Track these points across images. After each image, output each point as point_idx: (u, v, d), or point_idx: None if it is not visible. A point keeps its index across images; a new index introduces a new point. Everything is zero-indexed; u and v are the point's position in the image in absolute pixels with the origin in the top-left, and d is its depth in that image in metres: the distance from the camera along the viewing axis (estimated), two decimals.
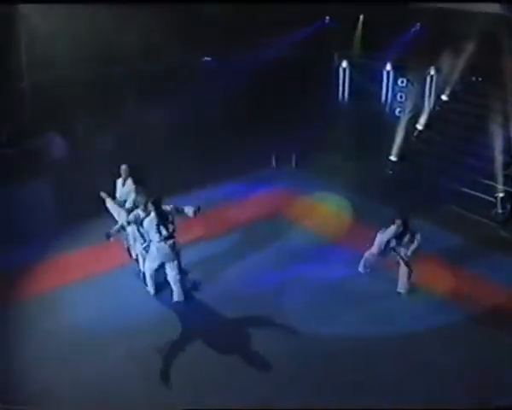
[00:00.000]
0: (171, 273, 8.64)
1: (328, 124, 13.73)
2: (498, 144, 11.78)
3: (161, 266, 8.69)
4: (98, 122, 12.52)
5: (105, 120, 12.45)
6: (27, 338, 8.01)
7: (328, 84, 15.30)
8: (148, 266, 8.74)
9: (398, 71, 14.76)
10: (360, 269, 9.35)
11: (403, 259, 8.81)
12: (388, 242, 8.82)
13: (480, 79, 13.84)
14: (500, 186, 11.52)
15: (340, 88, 15.67)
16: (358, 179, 12.37)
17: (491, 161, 11.71)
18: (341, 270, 9.44)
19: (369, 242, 9.18)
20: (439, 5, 13.00)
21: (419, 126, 14.05)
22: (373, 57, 14.83)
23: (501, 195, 11.42)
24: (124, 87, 12.46)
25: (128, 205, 9.03)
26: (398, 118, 14.32)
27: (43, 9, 11.35)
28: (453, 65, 13.63)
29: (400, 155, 13.57)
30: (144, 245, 8.66)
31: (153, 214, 8.28)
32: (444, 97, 14.18)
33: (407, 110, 14.32)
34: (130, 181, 9.29)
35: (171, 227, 8.38)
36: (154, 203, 8.25)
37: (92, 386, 7.21)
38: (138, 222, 8.44)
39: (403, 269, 8.87)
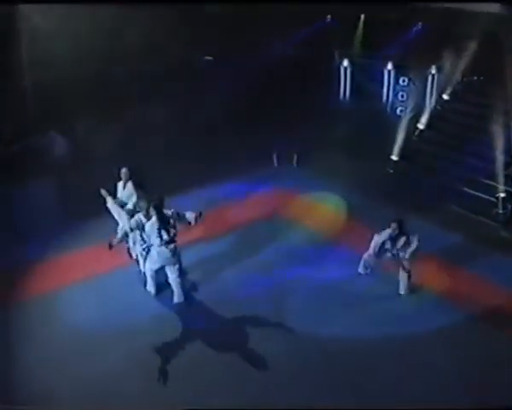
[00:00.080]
0: (172, 276, 8.65)
1: (330, 123, 13.69)
2: (499, 144, 11.75)
3: (162, 268, 8.69)
4: (98, 121, 12.52)
5: (105, 120, 12.45)
6: (27, 338, 8.02)
7: (330, 84, 15.27)
8: (149, 268, 8.75)
9: (400, 70, 14.72)
10: (360, 270, 9.34)
11: (399, 262, 8.80)
12: (383, 243, 8.82)
13: (481, 78, 13.81)
14: (501, 186, 11.49)
15: (342, 87, 15.63)
16: (359, 179, 12.34)
17: (492, 160, 11.67)
18: (341, 270, 9.44)
19: (369, 242, 9.15)
20: (440, 5, 12.97)
21: (420, 126, 14.02)
22: (374, 56, 14.79)
23: (502, 195, 11.40)
24: (124, 87, 12.44)
25: (129, 207, 9.03)
26: (400, 117, 14.29)
27: (44, 9, 11.35)
28: (454, 64, 13.60)
29: (401, 155, 13.54)
30: (144, 246, 8.66)
31: (154, 218, 8.26)
32: (445, 97, 14.15)
33: (408, 109, 14.30)
34: (130, 184, 9.28)
35: (172, 231, 8.37)
36: (155, 207, 8.24)
37: (92, 386, 7.22)
38: (140, 227, 8.43)
39: (403, 271, 8.86)
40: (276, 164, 13.76)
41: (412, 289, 8.95)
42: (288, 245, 10.24)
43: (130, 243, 9.34)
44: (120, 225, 9.13)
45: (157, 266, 8.62)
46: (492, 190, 11.57)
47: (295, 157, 13.79)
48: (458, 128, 13.34)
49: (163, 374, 7.39)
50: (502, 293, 8.96)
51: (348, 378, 7.43)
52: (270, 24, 13.60)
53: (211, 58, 14.73)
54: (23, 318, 8.36)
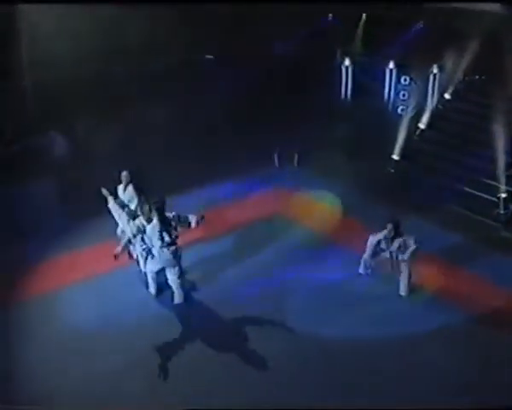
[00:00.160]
0: (172, 277, 8.64)
1: (331, 123, 13.68)
2: (501, 144, 11.69)
3: (162, 269, 8.68)
4: (98, 121, 12.51)
5: (105, 120, 12.44)
6: (28, 338, 8.03)
7: (331, 83, 15.24)
8: (149, 269, 8.74)
9: (401, 69, 14.67)
10: (361, 270, 9.33)
11: (398, 263, 8.79)
12: (379, 243, 8.81)
13: (483, 77, 13.76)
14: (502, 186, 11.44)
15: (343, 86, 15.60)
16: (360, 178, 12.33)
17: (494, 160, 11.62)
18: (342, 270, 9.43)
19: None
20: (441, 4, 12.93)
21: (421, 125, 13.98)
22: (376, 55, 14.75)
23: (503, 195, 11.35)
24: (124, 87, 12.43)
25: (129, 210, 9.02)
26: (401, 116, 14.25)
27: (44, 9, 11.34)
28: (456, 63, 13.55)
29: (402, 154, 13.51)
30: (144, 247, 8.64)
31: (156, 221, 8.25)
32: (446, 96, 14.10)
33: (410, 109, 14.26)
34: (131, 188, 9.26)
35: (173, 233, 8.36)
36: (157, 210, 8.22)
37: (93, 386, 7.23)
38: (142, 230, 8.42)
39: (403, 273, 8.84)
40: (276, 164, 13.74)
41: (412, 289, 8.92)
42: (289, 245, 10.23)
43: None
44: (120, 225, 9.14)
45: (158, 267, 8.62)
46: (494, 191, 11.52)
47: (296, 157, 13.77)
48: (460, 128, 13.29)
49: (163, 374, 7.40)
50: (502, 293, 8.93)
51: (348, 378, 7.42)
52: (271, 23, 13.57)
53: (211, 57, 14.71)
54: (23, 318, 8.38)
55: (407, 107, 14.47)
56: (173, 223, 8.37)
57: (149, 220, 8.33)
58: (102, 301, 8.73)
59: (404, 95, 14.81)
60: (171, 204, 8.64)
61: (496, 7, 11.93)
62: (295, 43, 14.58)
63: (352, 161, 13.06)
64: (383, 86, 14.98)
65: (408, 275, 8.83)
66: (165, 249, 8.36)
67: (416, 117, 14.00)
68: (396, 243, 8.69)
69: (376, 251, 8.94)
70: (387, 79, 14.89)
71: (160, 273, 8.74)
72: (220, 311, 8.60)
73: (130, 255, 9.51)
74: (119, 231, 9.43)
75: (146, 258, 8.74)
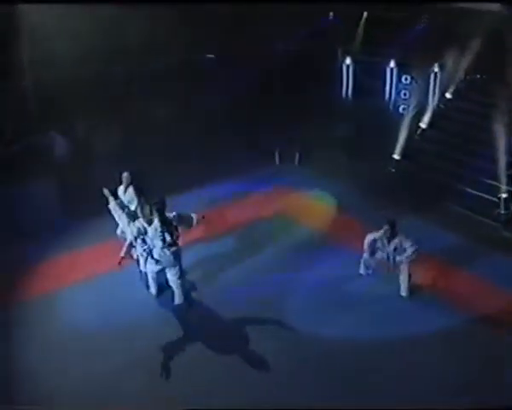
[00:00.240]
0: (172, 278, 8.62)
1: (332, 122, 13.66)
2: (502, 144, 11.66)
3: (163, 270, 8.67)
4: (99, 121, 12.51)
5: (105, 119, 12.44)
6: (28, 338, 8.03)
7: (332, 82, 15.21)
8: (150, 270, 8.73)
9: (402, 68, 14.64)
10: (361, 271, 9.31)
11: (397, 265, 8.78)
12: (375, 241, 8.81)
13: (484, 76, 13.72)
14: (503, 186, 11.40)
15: (344, 85, 15.58)
16: (361, 178, 12.33)
17: (495, 160, 11.57)
18: (342, 271, 9.41)
19: None
20: (442, 4, 12.90)
21: (422, 125, 13.94)
22: (377, 54, 14.73)
23: (504, 195, 11.32)
24: (124, 86, 12.43)
25: (129, 211, 9.02)
26: (402, 115, 14.22)
27: (44, 9, 11.34)
28: (457, 62, 13.51)
29: (403, 154, 13.48)
30: (144, 247, 8.64)
31: (157, 222, 8.24)
32: (448, 95, 14.06)
33: (411, 108, 14.23)
34: (131, 189, 9.25)
35: (175, 234, 8.36)
36: (157, 210, 8.22)
37: (93, 386, 7.23)
38: (142, 232, 8.41)
39: (403, 274, 8.83)
40: (277, 163, 13.74)
41: (413, 289, 8.91)
42: (289, 245, 10.23)
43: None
44: (120, 225, 9.14)
45: (158, 268, 8.60)
46: (495, 191, 11.49)
47: (297, 156, 13.76)
48: (461, 127, 13.25)
49: (163, 374, 7.40)
50: (503, 294, 8.90)
51: (348, 379, 7.41)
52: (272, 22, 13.54)
53: (212, 56, 14.69)
54: (23, 318, 8.38)
55: (408, 106, 14.42)
56: (174, 223, 8.37)
57: (149, 222, 8.32)
58: (102, 302, 8.73)
59: (405, 94, 14.77)
60: (172, 204, 8.63)
61: (496, 7, 11.91)
62: (296, 43, 14.56)
63: (352, 161, 13.06)
64: (384, 85, 14.94)
65: (407, 276, 8.81)
66: (166, 250, 8.35)
67: (417, 116, 13.96)
68: (392, 245, 8.69)
69: (374, 250, 8.92)
70: (388, 78, 14.86)
71: (161, 273, 8.73)
72: (220, 311, 8.59)
73: (131, 256, 9.51)
74: (118, 231, 9.44)
75: (146, 258, 8.74)
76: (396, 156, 13.54)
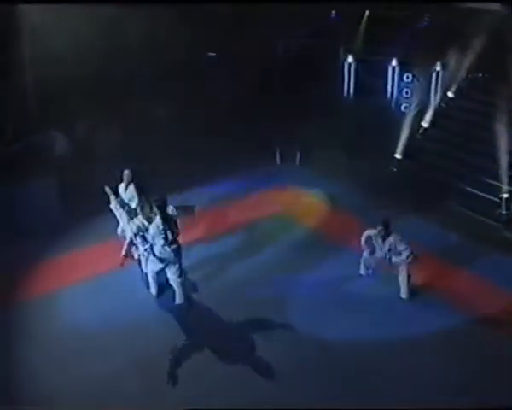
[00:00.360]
0: (173, 277, 8.63)
1: (333, 121, 13.61)
2: (504, 143, 11.62)
3: (163, 269, 8.67)
4: (99, 121, 12.52)
5: (106, 119, 12.44)
6: (28, 338, 8.05)
7: (334, 80, 15.18)
8: (151, 269, 8.73)
9: (404, 67, 14.59)
10: (361, 272, 9.30)
11: (396, 266, 8.76)
12: (370, 238, 8.81)
13: (486, 75, 13.67)
14: (505, 187, 11.38)
15: (346, 84, 15.54)
16: (362, 177, 12.30)
17: (497, 160, 11.54)
18: (343, 271, 9.40)
19: None
20: (443, 3, 12.87)
21: (424, 124, 13.91)
22: (379, 53, 14.69)
23: (506, 196, 11.29)
24: (125, 86, 12.42)
25: (129, 209, 9.01)
26: (404, 114, 14.18)
27: (44, 9, 11.34)
28: (459, 61, 13.46)
29: (405, 153, 13.45)
30: (146, 247, 8.64)
31: (158, 219, 8.24)
32: (450, 94, 14.02)
33: (412, 106, 14.19)
34: (132, 187, 9.25)
35: (176, 231, 8.36)
36: (158, 208, 8.21)
37: (93, 386, 7.24)
38: (143, 230, 8.41)
39: (402, 275, 8.81)
40: (278, 162, 13.72)
41: (413, 290, 8.89)
42: (290, 245, 10.21)
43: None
44: (121, 224, 9.15)
45: (159, 266, 8.60)
46: (496, 191, 11.46)
47: (298, 155, 13.73)
48: (463, 126, 13.20)
49: (163, 374, 7.39)
50: (503, 294, 8.88)
51: (349, 379, 7.41)
52: (273, 21, 13.53)
53: (213, 54, 14.68)
54: (23, 318, 8.39)
55: (410, 105, 14.38)
56: (175, 217, 8.37)
57: (149, 219, 8.32)
58: (103, 301, 8.73)
59: (406, 93, 14.72)
60: (172, 203, 8.61)
61: (496, 6, 11.87)
62: (297, 42, 14.54)
63: (354, 160, 13.03)
64: (386, 84, 14.91)
65: (406, 277, 8.79)
66: (166, 247, 8.35)
67: (419, 115, 13.92)
68: (387, 244, 8.67)
69: (373, 249, 8.91)
70: (390, 76, 14.81)
71: (161, 273, 8.73)
72: (221, 311, 8.58)
73: (131, 255, 9.51)
74: (119, 230, 9.45)
75: (147, 258, 8.74)
76: (397, 155, 13.51)
